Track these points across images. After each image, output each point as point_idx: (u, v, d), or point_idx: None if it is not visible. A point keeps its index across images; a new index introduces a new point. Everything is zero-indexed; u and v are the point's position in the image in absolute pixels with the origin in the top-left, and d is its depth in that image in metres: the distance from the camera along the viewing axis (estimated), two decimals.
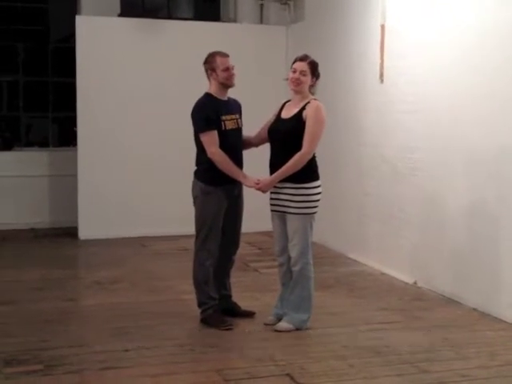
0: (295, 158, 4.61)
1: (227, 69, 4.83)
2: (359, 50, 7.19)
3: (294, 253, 4.72)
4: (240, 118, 5.00)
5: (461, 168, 5.58)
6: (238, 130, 4.97)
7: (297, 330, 4.71)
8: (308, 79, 4.70)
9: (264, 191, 4.76)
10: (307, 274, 4.75)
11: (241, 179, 4.81)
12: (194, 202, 4.96)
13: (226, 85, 4.88)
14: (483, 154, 5.30)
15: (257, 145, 5.06)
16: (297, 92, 4.75)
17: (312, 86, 4.76)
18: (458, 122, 5.60)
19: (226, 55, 4.87)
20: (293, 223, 4.70)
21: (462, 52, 5.54)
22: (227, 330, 4.78)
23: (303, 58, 4.74)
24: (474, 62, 5.40)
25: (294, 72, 4.71)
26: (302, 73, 4.68)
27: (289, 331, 4.70)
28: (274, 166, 4.73)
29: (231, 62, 4.87)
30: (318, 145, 4.67)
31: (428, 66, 5.99)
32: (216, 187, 4.83)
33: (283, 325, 4.76)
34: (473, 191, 5.44)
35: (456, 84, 5.61)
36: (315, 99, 4.72)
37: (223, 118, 4.83)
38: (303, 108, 4.67)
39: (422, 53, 6.08)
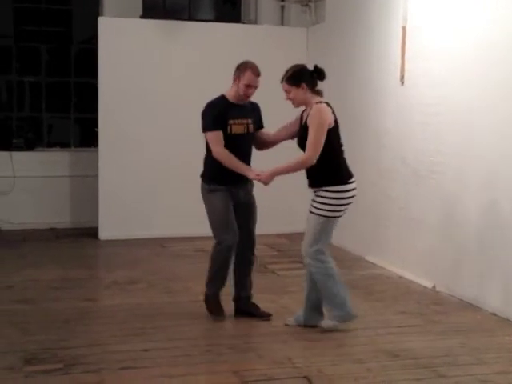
0: (297, 160, 4.71)
1: (249, 86, 4.87)
2: (380, 52, 7.16)
3: (301, 250, 4.82)
4: (253, 122, 5.02)
5: (481, 171, 5.52)
6: (247, 134, 4.99)
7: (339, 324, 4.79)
8: (294, 93, 4.75)
9: (265, 183, 4.83)
10: (317, 277, 4.75)
11: (245, 171, 4.88)
12: (205, 205, 5.07)
13: (240, 97, 4.93)
14: (504, 157, 5.25)
15: (274, 143, 5.09)
16: (299, 107, 4.85)
17: (312, 91, 4.74)
18: (479, 124, 5.54)
19: (257, 74, 4.89)
20: (308, 221, 4.78)
21: (484, 53, 5.49)
22: (217, 320, 4.94)
23: (282, 79, 4.82)
24: (495, 64, 5.35)
25: None
26: (286, 92, 4.79)
27: (333, 329, 4.76)
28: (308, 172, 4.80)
29: (259, 82, 4.91)
30: (320, 148, 4.62)
31: (449, 68, 5.95)
32: (219, 185, 4.94)
33: (327, 323, 4.82)
34: (494, 196, 5.38)
35: (477, 86, 5.56)
36: (318, 102, 4.70)
37: (231, 121, 4.88)
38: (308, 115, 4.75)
39: (443, 55, 6.04)
